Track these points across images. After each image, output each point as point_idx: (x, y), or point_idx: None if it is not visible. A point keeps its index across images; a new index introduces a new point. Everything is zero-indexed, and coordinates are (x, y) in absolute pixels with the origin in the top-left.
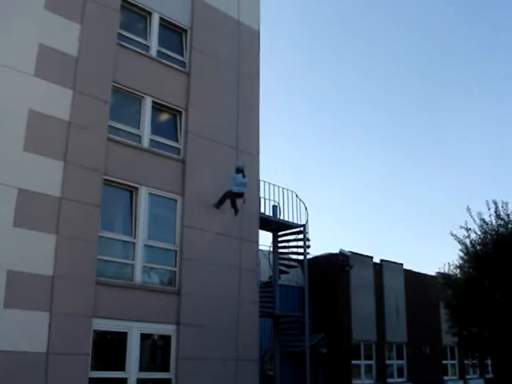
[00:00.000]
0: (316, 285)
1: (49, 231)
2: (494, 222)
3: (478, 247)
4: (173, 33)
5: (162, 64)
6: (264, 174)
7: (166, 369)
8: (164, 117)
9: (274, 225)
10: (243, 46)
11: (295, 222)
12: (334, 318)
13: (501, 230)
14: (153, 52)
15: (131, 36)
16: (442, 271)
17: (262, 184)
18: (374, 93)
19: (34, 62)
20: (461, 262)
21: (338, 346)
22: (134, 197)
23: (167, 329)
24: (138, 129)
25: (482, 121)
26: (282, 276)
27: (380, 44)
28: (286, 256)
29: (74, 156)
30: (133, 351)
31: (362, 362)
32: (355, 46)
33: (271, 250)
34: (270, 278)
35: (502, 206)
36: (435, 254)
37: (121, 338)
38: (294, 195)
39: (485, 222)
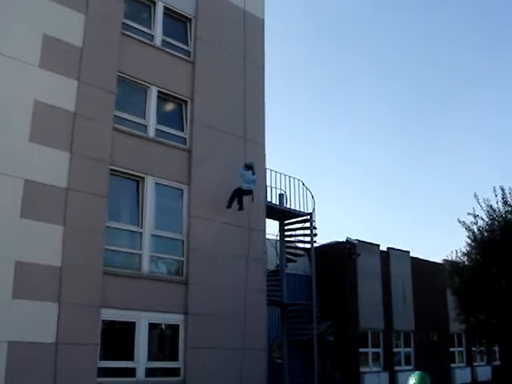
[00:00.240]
0: (323, 273)
1: (56, 222)
2: (501, 208)
3: (486, 234)
4: (177, 22)
5: (167, 53)
6: (270, 163)
7: (175, 358)
8: (169, 106)
9: (281, 213)
10: (248, 35)
11: (302, 210)
12: (341, 306)
13: (508, 216)
14: (157, 41)
15: (136, 25)
16: (450, 258)
17: (268, 172)
18: (378, 83)
19: (39, 53)
20: (468, 248)
21: (346, 334)
22: (140, 187)
23: (175, 318)
24: (144, 119)
25: (488, 109)
26: (289, 265)
27: (384, 33)
28: (292, 244)
29: (80, 147)
30: (141, 341)
31: (370, 350)
32: (358, 36)
33: (278, 238)
34: (277, 266)
35: (510, 193)
36: (442, 242)
37: (129, 327)
38: (301, 184)
39: (492, 208)
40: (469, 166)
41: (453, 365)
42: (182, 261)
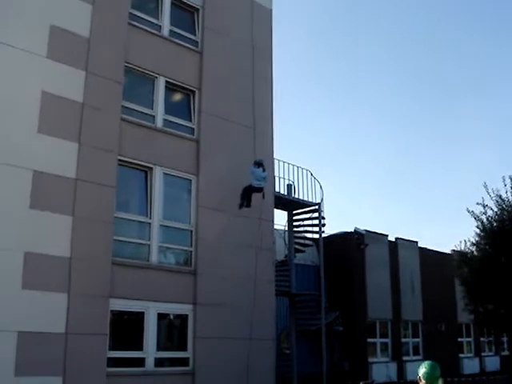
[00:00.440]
0: (331, 263)
1: (65, 213)
2: (510, 198)
3: (495, 224)
4: (184, 12)
5: (175, 43)
6: (278, 153)
7: (184, 348)
8: (177, 96)
9: (289, 204)
10: (256, 25)
11: (310, 200)
12: (349, 296)
13: None
14: (165, 31)
15: (143, 16)
16: (458, 249)
17: (276, 163)
18: (386, 72)
19: (46, 44)
20: (477, 238)
21: (354, 324)
22: (148, 177)
23: (184, 308)
24: (152, 109)
25: (497, 97)
26: (298, 255)
27: (392, 22)
28: (301, 235)
29: (88, 137)
30: (150, 331)
31: (378, 340)
32: (366, 26)
33: (286, 229)
34: (286, 257)
35: None
36: (450, 232)
37: (138, 317)
38: (309, 174)
39: (501, 198)
40: (478, 155)
41: (461, 355)
42: (191, 251)
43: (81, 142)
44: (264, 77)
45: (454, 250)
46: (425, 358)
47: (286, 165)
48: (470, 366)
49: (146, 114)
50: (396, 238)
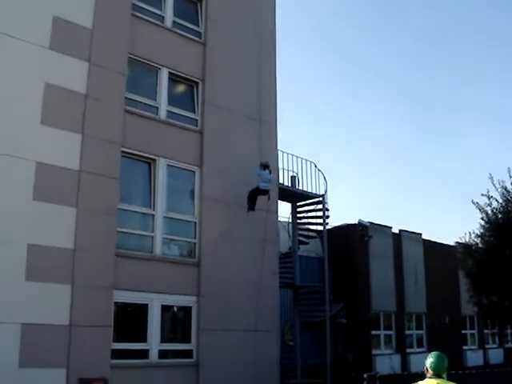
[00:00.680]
0: (335, 255)
1: (68, 204)
2: None
3: (500, 215)
4: (188, 2)
5: (178, 34)
6: (282, 144)
7: (188, 340)
8: (181, 88)
9: (293, 195)
10: (259, 15)
11: (314, 192)
12: (353, 288)
13: None
14: (168, 22)
15: (146, 6)
16: (462, 241)
17: (280, 154)
18: (392, 62)
19: (49, 35)
20: (482, 230)
21: (358, 316)
22: (152, 169)
23: (188, 300)
24: (155, 100)
25: (503, 89)
26: (301, 247)
27: (403, 16)
28: (304, 227)
29: (91, 129)
30: (154, 323)
31: (382, 333)
32: (373, 18)
33: (290, 220)
34: (290, 248)
35: None
36: (454, 224)
37: (142, 309)
38: (313, 165)
39: (507, 190)
40: (483, 147)
41: (465, 347)
42: (195, 243)
43: (84, 133)
44: (268, 68)
45: (458, 243)
46: (429, 350)
47: (289, 156)
48: (474, 358)
49: (150, 105)
50: (400, 230)
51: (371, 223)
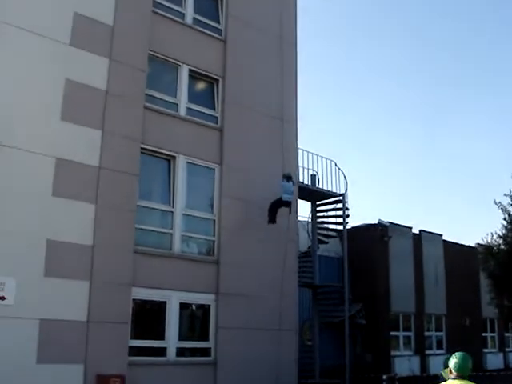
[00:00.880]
0: (354, 255)
1: (87, 201)
2: None
3: None
4: (208, 0)
5: (198, 31)
6: (302, 142)
7: (206, 338)
8: (201, 85)
9: (313, 194)
10: (280, 12)
11: (334, 191)
12: (372, 289)
13: None
14: (188, 19)
15: (166, 3)
16: (484, 242)
17: (300, 153)
18: (420, 52)
19: (70, 31)
20: (504, 231)
21: (377, 317)
22: (171, 166)
23: (206, 298)
24: (175, 97)
25: None
26: (321, 246)
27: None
28: (324, 226)
29: (111, 125)
30: (172, 320)
31: (401, 334)
32: (390, 12)
33: (310, 220)
34: (309, 248)
35: None
36: (475, 226)
37: (160, 306)
38: (333, 164)
39: None
40: (504, 146)
41: (485, 350)
42: (214, 241)
43: (104, 129)
44: (289, 65)
45: (479, 244)
46: (448, 352)
47: (310, 155)
48: (494, 361)
49: (170, 102)
50: (420, 231)
51: (391, 223)
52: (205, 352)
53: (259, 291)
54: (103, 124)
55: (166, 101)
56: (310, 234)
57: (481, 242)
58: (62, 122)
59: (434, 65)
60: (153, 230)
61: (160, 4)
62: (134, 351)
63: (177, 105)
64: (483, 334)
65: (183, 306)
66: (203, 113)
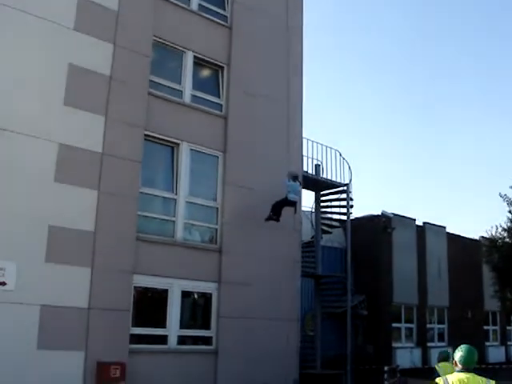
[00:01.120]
0: (357, 246)
1: (90, 187)
2: None
3: None
4: None
5: (204, 18)
6: (307, 132)
7: (207, 327)
8: (205, 72)
9: (317, 184)
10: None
11: (338, 181)
12: (375, 280)
13: None
14: (194, 5)
15: None
16: (488, 235)
17: (304, 142)
18: (424, 46)
19: (74, 16)
20: (509, 224)
21: (379, 308)
22: (175, 153)
23: (208, 287)
24: (180, 84)
25: None
26: (324, 236)
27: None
28: (328, 216)
29: (115, 111)
30: (173, 308)
31: (403, 326)
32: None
33: (313, 210)
34: (312, 238)
35: None
36: (479, 219)
37: (161, 294)
38: (338, 154)
39: None
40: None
41: (487, 343)
42: (216, 229)
43: (107, 115)
44: (294, 52)
45: (483, 237)
46: (450, 345)
47: (314, 144)
48: (496, 354)
49: (174, 89)
50: (424, 223)
51: (395, 215)
52: (206, 341)
53: (261, 280)
54: (107, 110)
55: (171, 87)
56: (314, 224)
57: (484, 235)
58: (65, 107)
59: (436, 56)
60: (155, 218)
61: None
62: (135, 339)
63: (181, 92)
64: (485, 327)
65: (185, 294)
66: (208, 100)
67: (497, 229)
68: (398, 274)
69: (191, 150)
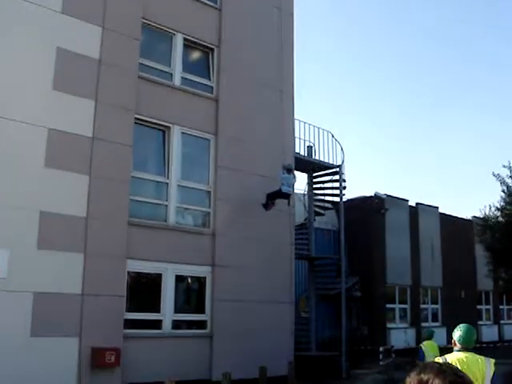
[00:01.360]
0: (351, 228)
1: (81, 172)
2: None
3: None
4: None
5: None
6: (299, 113)
7: (202, 311)
8: (196, 54)
9: (309, 166)
10: None
11: (331, 162)
12: (368, 261)
13: None
14: None
15: None
16: (481, 215)
17: (297, 123)
18: (413, 31)
19: None
20: (502, 203)
21: (373, 289)
22: (166, 136)
23: (202, 270)
24: (169, 67)
25: None
26: (317, 218)
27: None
28: (321, 198)
29: (104, 95)
30: (168, 293)
31: (397, 306)
32: None
33: (306, 191)
34: (305, 220)
35: None
36: (471, 199)
37: (155, 279)
38: (330, 135)
39: None
40: (504, 117)
41: (480, 322)
42: (209, 212)
43: (97, 99)
44: (285, 34)
45: (475, 217)
46: (443, 325)
47: (306, 125)
48: (489, 333)
49: (164, 71)
50: (417, 203)
51: (388, 196)
52: (201, 325)
53: (255, 263)
54: (96, 94)
55: (161, 70)
56: (307, 206)
57: (477, 214)
58: (54, 92)
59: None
60: (147, 202)
61: None
62: (130, 324)
63: (171, 74)
64: (478, 307)
65: (179, 279)
66: (198, 82)
67: (490, 208)
68: (392, 255)
69: (182, 133)
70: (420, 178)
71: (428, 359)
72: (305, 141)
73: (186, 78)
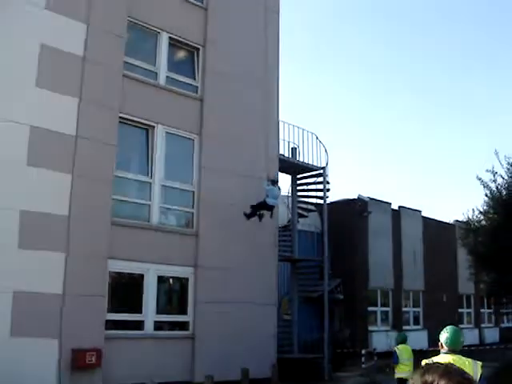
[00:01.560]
0: (333, 230)
1: (63, 170)
2: None
3: (504, 192)
4: None
5: None
6: (283, 114)
7: (184, 312)
8: (181, 53)
9: (293, 167)
10: None
11: (315, 164)
12: (351, 264)
13: None
14: None
15: None
16: (464, 218)
17: (281, 125)
18: (399, 31)
19: None
20: (485, 207)
21: (355, 292)
22: (150, 136)
23: (185, 271)
24: (155, 66)
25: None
26: (300, 220)
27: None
28: (304, 200)
29: (88, 93)
30: (149, 294)
31: (379, 309)
32: None
33: (290, 193)
34: (288, 222)
35: None
36: (454, 203)
37: (137, 280)
38: (314, 137)
39: None
40: (489, 122)
41: (461, 326)
42: (192, 213)
43: (81, 97)
44: (272, 34)
45: (457, 220)
46: (425, 328)
47: (290, 127)
48: (470, 337)
49: (149, 70)
50: (399, 207)
51: (370, 199)
52: (183, 326)
53: (238, 264)
54: (80, 92)
55: (145, 69)
56: (290, 208)
57: (459, 218)
58: (37, 89)
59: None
60: (130, 201)
61: None
62: (111, 325)
63: (156, 73)
64: (459, 310)
65: (161, 279)
66: (183, 82)
67: (473, 212)
68: (374, 258)
69: (166, 132)
70: (405, 180)
71: (402, 362)
72: (289, 142)
73: (170, 78)
